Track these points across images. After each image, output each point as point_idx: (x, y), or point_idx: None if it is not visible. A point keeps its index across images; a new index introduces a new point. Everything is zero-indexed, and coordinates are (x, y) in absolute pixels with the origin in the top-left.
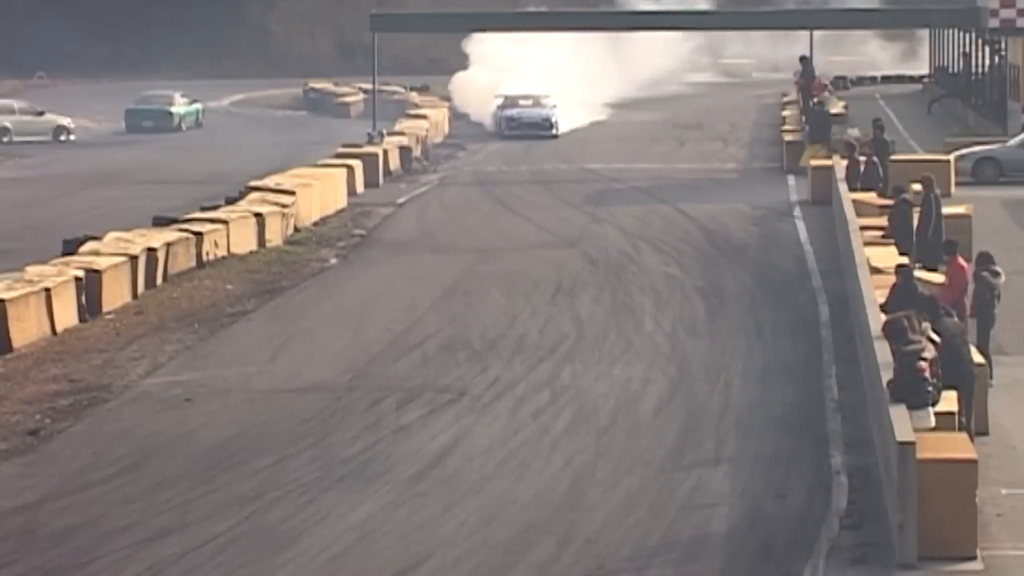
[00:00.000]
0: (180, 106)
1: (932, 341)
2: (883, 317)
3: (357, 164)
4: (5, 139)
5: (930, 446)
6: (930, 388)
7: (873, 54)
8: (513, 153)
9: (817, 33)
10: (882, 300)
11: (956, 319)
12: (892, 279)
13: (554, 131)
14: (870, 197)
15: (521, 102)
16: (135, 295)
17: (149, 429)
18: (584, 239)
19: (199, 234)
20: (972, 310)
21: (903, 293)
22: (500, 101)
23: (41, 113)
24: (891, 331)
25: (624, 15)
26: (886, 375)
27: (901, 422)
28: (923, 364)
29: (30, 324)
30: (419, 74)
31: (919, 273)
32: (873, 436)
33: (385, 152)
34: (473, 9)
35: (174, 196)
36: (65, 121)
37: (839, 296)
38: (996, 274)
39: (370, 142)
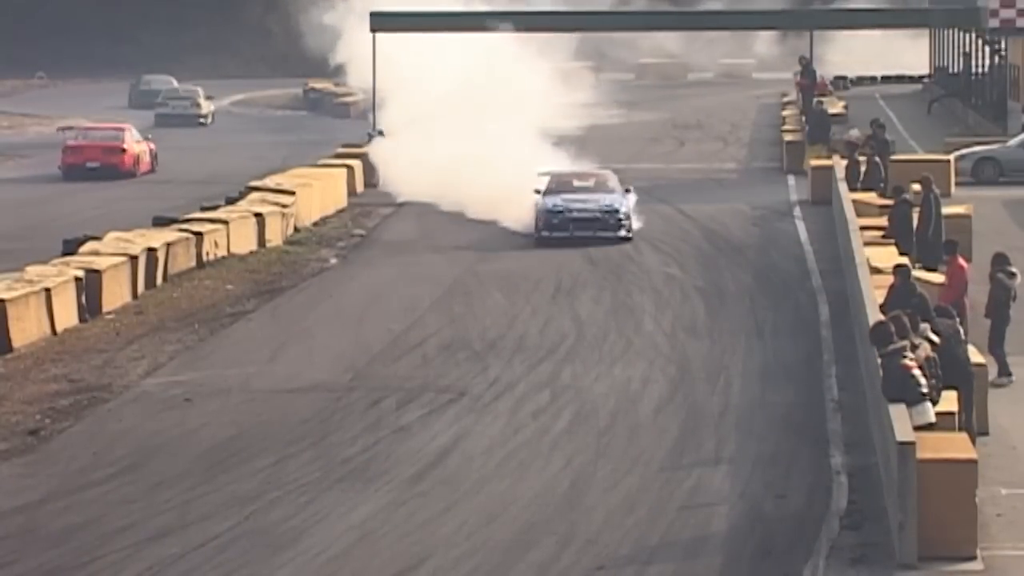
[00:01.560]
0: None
1: (931, 341)
2: (882, 317)
3: (357, 164)
4: (211, 123)
5: (930, 446)
6: (922, 383)
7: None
8: None
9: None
10: (882, 300)
11: (955, 319)
12: (892, 279)
13: (624, 230)
14: (870, 197)
15: (576, 182)
16: (135, 295)
17: (149, 429)
18: None
19: (199, 234)
20: (987, 310)
21: (901, 293)
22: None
23: (210, 98)
24: (873, 337)
25: (633, 15)
26: (880, 380)
27: (901, 422)
28: (907, 362)
29: (30, 324)
30: None
31: (919, 273)
32: (873, 436)
33: None
34: (476, 7)
35: (174, 196)
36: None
37: (839, 296)
38: (1012, 275)
39: (370, 142)
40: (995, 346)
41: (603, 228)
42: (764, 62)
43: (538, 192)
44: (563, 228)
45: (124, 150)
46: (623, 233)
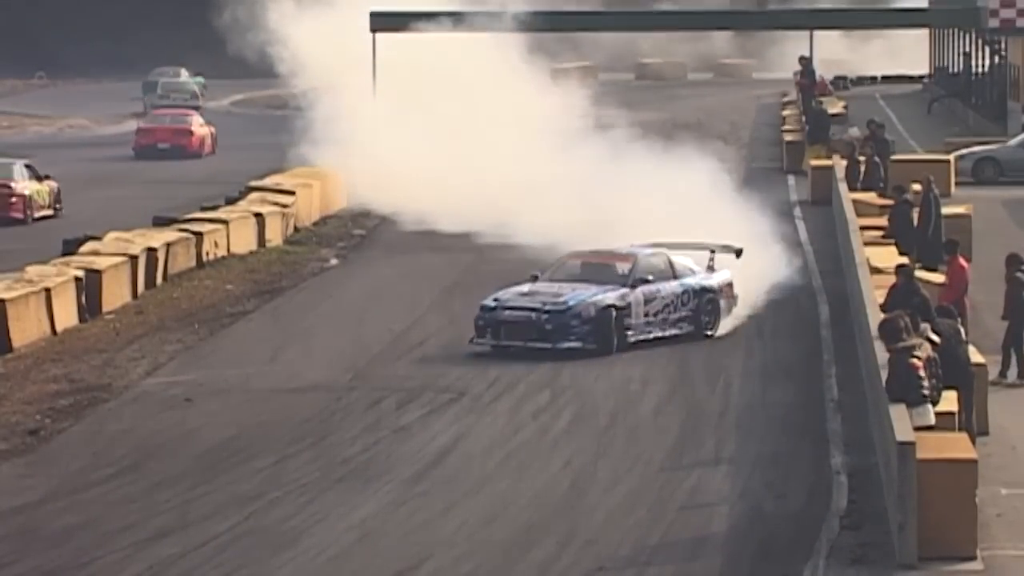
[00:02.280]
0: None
1: (931, 341)
2: (890, 314)
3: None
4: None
5: (930, 446)
6: (925, 384)
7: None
8: None
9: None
10: (882, 300)
11: (956, 319)
12: (892, 279)
13: (579, 340)
14: (870, 197)
15: (587, 264)
16: (135, 295)
17: (149, 429)
18: None
19: (199, 234)
20: (1005, 312)
21: (904, 293)
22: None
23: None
24: (885, 331)
25: (630, 16)
26: (885, 375)
27: (901, 422)
28: (916, 361)
29: (30, 324)
30: None
31: (919, 273)
32: (873, 436)
33: None
34: (480, 7)
35: (174, 196)
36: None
37: (839, 296)
38: None
39: None
40: (1014, 347)
41: (539, 337)
42: (710, 61)
43: (534, 277)
44: (492, 332)
45: (192, 132)
46: (571, 344)
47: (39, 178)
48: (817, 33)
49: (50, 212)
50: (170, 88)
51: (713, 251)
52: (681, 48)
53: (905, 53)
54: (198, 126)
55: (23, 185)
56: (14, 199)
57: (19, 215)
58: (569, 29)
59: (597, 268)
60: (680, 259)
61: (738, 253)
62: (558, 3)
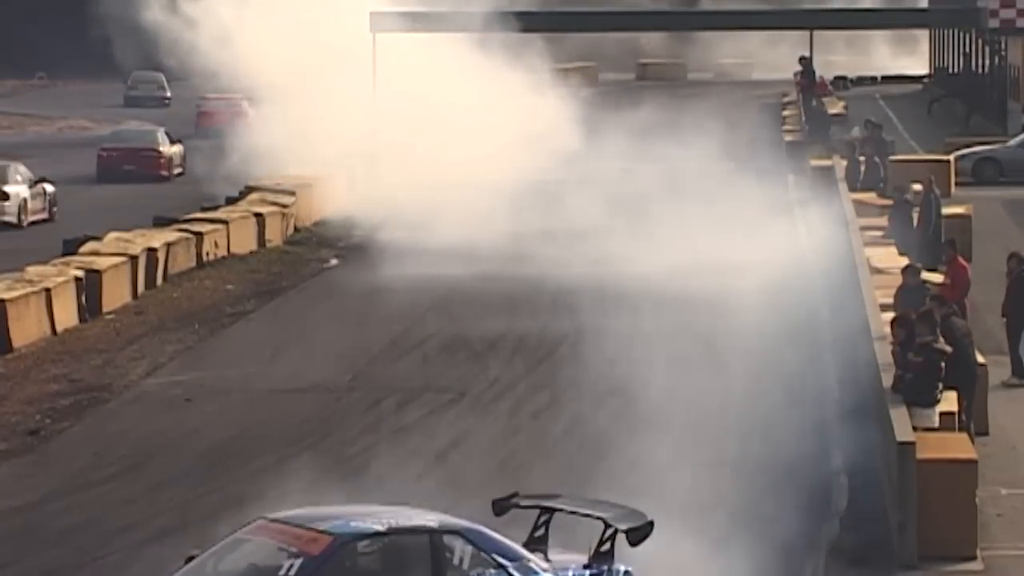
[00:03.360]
0: None
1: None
2: (884, 317)
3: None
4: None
5: (930, 446)
6: (939, 389)
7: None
8: None
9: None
10: (882, 300)
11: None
12: (891, 279)
13: None
14: (870, 197)
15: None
16: (135, 295)
17: (149, 429)
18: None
19: (199, 234)
20: (1004, 309)
21: (913, 292)
22: None
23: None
24: (924, 322)
25: (631, 16)
26: (886, 375)
27: (901, 422)
28: (943, 367)
29: (30, 324)
30: None
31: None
32: (873, 436)
33: None
34: (481, 7)
35: (174, 196)
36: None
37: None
38: None
39: None
40: (1017, 346)
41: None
42: (710, 61)
43: (189, 559)
44: None
45: (246, 114)
46: None
47: (172, 142)
48: (745, 34)
49: (181, 170)
50: (139, 80)
51: (611, 527)
52: (681, 48)
53: (841, 52)
54: (248, 108)
55: (166, 149)
56: (162, 160)
57: (165, 173)
58: (568, 29)
59: (268, 554)
60: (495, 541)
61: (632, 536)
62: (547, 3)
